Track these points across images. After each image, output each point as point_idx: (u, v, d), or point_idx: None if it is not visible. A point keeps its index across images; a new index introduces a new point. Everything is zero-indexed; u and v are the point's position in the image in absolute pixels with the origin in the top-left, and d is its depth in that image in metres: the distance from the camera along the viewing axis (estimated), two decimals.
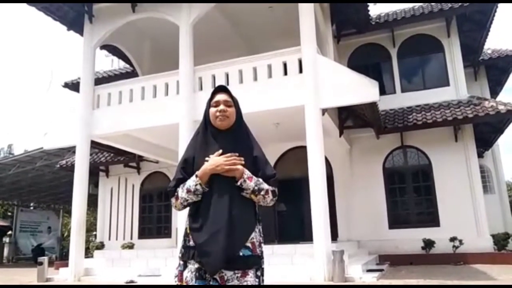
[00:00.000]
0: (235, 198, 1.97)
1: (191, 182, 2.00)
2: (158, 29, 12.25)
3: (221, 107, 2.10)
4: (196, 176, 1.99)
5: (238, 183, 1.97)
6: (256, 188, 1.99)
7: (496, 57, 15.24)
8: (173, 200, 2.08)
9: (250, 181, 1.98)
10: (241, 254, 1.94)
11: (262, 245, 2.07)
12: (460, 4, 12.34)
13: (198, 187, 1.98)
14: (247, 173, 1.98)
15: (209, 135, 2.13)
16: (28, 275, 12.02)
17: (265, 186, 2.02)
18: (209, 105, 2.15)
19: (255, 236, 2.01)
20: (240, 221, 1.95)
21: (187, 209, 2.09)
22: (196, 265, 1.95)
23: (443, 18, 13.00)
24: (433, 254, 11.04)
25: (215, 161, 1.97)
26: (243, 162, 1.98)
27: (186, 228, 2.06)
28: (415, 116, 11.92)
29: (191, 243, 1.99)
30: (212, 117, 2.12)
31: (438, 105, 12.22)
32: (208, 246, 1.90)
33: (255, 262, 1.98)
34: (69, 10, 11.49)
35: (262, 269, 2.04)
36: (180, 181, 2.07)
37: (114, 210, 15.55)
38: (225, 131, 2.13)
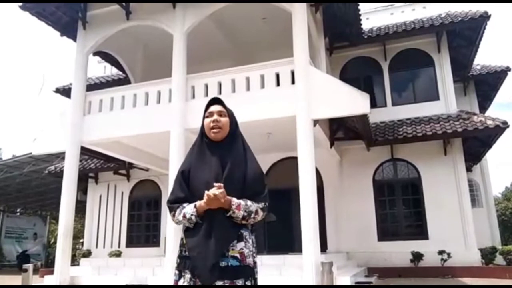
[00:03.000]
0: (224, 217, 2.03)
1: (189, 210, 2.05)
2: (152, 37, 12.26)
3: (215, 117, 2.16)
4: (195, 206, 2.04)
5: (228, 215, 2.02)
6: (245, 214, 2.04)
7: (485, 73, 15.49)
8: (171, 214, 2.14)
9: (239, 210, 2.02)
10: (228, 264, 1.98)
11: (255, 255, 2.11)
12: (450, 20, 12.57)
13: (193, 218, 2.03)
14: (234, 202, 2.02)
15: (205, 147, 2.18)
16: (12, 282, 11.80)
17: (254, 207, 2.07)
18: (204, 117, 2.22)
19: (245, 246, 2.05)
20: (217, 232, 2.00)
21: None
22: (189, 275, 2.01)
23: (433, 34, 13.23)
24: (421, 267, 11.07)
25: (209, 200, 1.98)
26: (222, 193, 1.97)
27: (182, 239, 2.12)
28: (405, 129, 12.04)
29: (187, 253, 2.06)
30: (206, 128, 2.18)
31: (428, 119, 12.37)
32: (197, 258, 1.98)
33: (244, 272, 2.01)
34: (62, 15, 11.46)
35: (255, 279, 2.08)
36: (178, 198, 2.12)
37: (102, 217, 15.37)
38: (219, 142, 2.17)
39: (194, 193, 2.09)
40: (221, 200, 1.97)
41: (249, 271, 2.03)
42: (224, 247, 2.00)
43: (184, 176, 2.14)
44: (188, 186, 2.12)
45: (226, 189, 2.01)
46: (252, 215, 2.06)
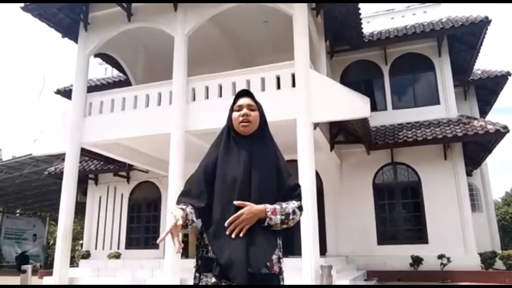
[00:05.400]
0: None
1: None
2: (153, 39, 12.28)
3: (244, 110, 2.04)
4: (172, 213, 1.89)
5: (265, 224, 1.87)
6: (283, 218, 1.89)
7: (486, 78, 15.48)
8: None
9: (276, 215, 1.88)
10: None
11: (282, 260, 1.97)
12: (451, 25, 12.60)
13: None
14: (269, 208, 1.88)
15: (231, 141, 2.04)
16: (11, 283, 11.77)
17: (290, 208, 1.93)
18: (232, 110, 2.09)
19: (274, 253, 1.93)
20: (258, 242, 1.86)
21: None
22: (213, 280, 1.85)
23: (434, 38, 13.23)
24: (421, 271, 11.05)
25: (171, 225, 1.83)
26: (248, 217, 1.83)
27: (203, 238, 1.95)
28: (405, 133, 12.04)
29: (210, 254, 1.89)
30: (235, 122, 2.05)
31: (428, 123, 12.37)
32: (232, 260, 1.80)
33: (271, 280, 1.88)
34: (64, 17, 11.49)
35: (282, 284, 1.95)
36: (187, 193, 1.99)
37: (102, 219, 15.34)
38: (248, 136, 2.05)
39: (220, 190, 1.92)
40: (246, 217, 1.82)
41: (276, 279, 1.90)
42: (265, 259, 1.84)
43: (207, 171, 1.97)
44: (213, 182, 1.95)
45: (256, 185, 1.90)
46: (291, 217, 1.91)
